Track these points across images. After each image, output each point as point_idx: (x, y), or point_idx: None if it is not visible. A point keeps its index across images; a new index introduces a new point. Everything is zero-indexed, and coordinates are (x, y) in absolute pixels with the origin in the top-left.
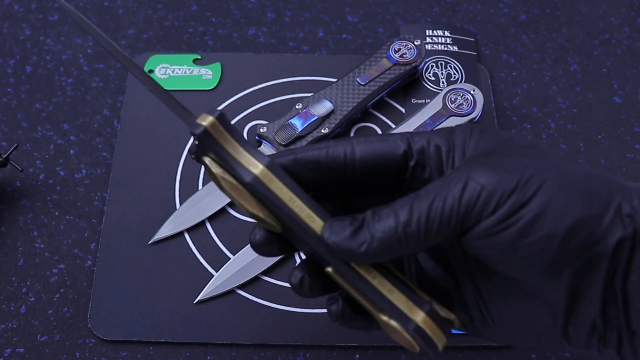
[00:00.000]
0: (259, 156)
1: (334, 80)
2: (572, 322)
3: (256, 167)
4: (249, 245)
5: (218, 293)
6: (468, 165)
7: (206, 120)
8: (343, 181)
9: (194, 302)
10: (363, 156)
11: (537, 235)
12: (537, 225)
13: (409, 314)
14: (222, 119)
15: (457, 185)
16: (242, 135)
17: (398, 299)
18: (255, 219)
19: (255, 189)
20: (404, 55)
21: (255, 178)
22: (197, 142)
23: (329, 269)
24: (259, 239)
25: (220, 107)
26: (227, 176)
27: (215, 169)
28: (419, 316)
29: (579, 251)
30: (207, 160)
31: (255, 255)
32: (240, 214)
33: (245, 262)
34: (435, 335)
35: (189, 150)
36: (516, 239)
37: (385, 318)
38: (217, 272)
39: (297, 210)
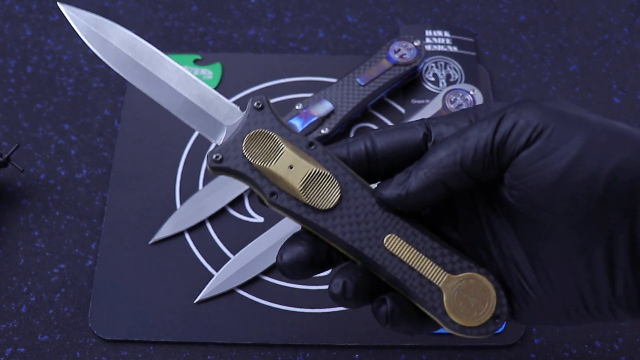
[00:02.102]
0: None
1: (334, 80)
2: (620, 278)
3: (310, 137)
4: (249, 245)
5: (218, 293)
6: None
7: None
8: (368, 174)
9: (195, 302)
10: (384, 147)
11: (581, 175)
12: (581, 164)
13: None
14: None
15: (494, 118)
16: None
17: (465, 257)
18: (311, 184)
19: (318, 149)
20: (404, 56)
21: (316, 141)
22: (259, 108)
23: (390, 236)
24: (288, 259)
25: None
26: (287, 142)
27: (276, 135)
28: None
29: (623, 194)
30: (264, 130)
31: (255, 254)
32: (241, 213)
33: (245, 262)
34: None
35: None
36: (559, 178)
37: (464, 275)
38: (217, 272)
39: (352, 172)
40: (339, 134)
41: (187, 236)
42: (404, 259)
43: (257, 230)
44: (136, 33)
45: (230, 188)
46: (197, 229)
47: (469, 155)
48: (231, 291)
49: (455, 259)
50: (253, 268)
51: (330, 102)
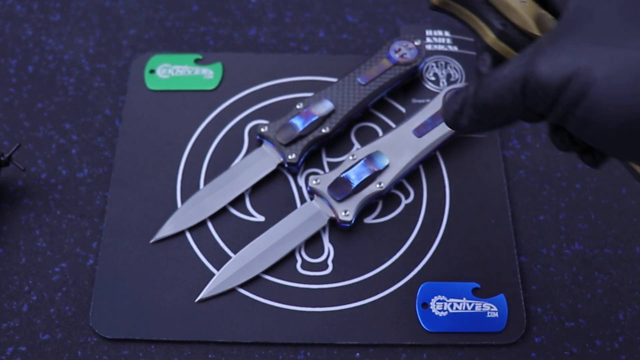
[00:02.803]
0: None
1: (335, 80)
2: None
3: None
4: (250, 244)
5: (219, 292)
6: (536, 48)
7: None
8: None
9: (196, 300)
10: None
11: (591, 129)
12: (588, 123)
13: None
14: None
15: (518, 77)
16: None
17: None
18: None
19: None
20: (404, 56)
21: None
22: None
23: None
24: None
25: (221, 107)
26: None
27: None
28: None
29: None
30: None
31: (257, 253)
32: (242, 212)
33: (246, 261)
34: None
35: None
36: (580, 130)
37: None
38: (218, 271)
39: None
40: (340, 134)
41: (188, 235)
42: None
43: (258, 229)
44: (137, 33)
45: (231, 187)
46: (198, 228)
47: (495, 112)
48: (232, 290)
49: None
50: (254, 267)
51: (331, 101)
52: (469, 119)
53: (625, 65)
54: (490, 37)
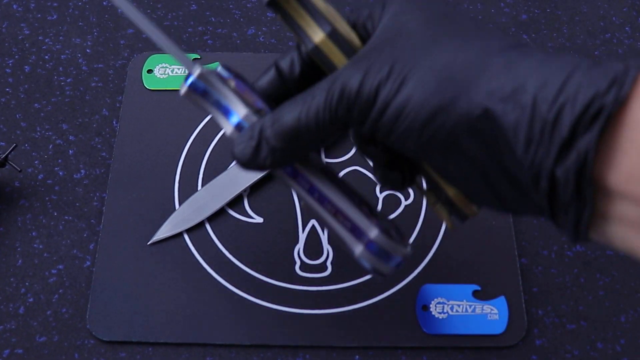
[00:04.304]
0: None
1: None
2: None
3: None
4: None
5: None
6: (344, 67)
7: None
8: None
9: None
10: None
11: (397, 133)
12: (396, 127)
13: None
14: None
15: (322, 92)
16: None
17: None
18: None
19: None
20: None
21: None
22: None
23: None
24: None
25: None
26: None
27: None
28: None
29: (440, 138)
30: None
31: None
32: (240, 214)
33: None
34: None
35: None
36: (387, 139)
37: None
38: (216, 273)
39: None
40: None
41: (186, 237)
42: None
43: (256, 230)
44: (135, 32)
45: (229, 188)
46: (196, 229)
47: (307, 132)
48: (230, 292)
49: None
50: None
51: None
52: (270, 151)
53: (431, 67)
54: (320, 35)
